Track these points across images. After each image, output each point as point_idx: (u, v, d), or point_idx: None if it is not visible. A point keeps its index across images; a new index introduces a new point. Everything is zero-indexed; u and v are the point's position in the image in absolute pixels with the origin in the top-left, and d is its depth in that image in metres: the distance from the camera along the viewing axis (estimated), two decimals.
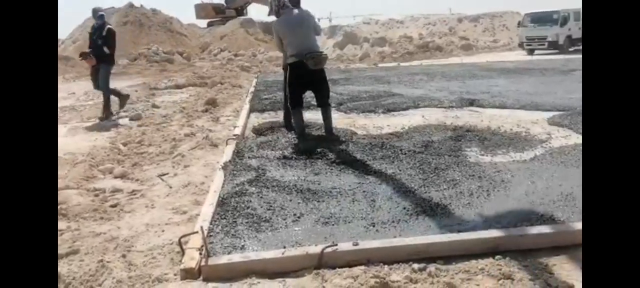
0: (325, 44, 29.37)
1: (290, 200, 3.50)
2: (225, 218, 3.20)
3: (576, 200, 3.19)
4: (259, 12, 35.25)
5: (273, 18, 5.57)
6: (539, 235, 2.73)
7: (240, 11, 33.55)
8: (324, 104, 5.41)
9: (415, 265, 2.53)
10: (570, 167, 3.99)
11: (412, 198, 3.48)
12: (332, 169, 4.23)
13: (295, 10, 5.32)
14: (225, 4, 33.46)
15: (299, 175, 4.08)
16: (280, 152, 4.79)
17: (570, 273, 2.44)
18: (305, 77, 5.17)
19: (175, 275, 2.63)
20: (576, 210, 3.05)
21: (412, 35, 31.06)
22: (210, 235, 2.93)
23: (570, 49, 22.56)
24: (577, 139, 5.13)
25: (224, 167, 4.33)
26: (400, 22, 37.06)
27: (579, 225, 2.78)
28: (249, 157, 4.67)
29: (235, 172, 4.18)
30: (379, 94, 9.12)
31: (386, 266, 2.54)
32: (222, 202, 3.46)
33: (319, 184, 3.84)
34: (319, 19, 36.97)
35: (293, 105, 5.36)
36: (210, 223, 3.11)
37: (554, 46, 22.12)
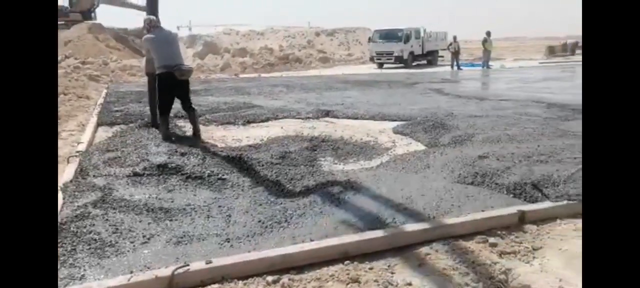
0: (185, 54, 28.33)
1: (140, 221, 3.29)
2: (62, 246, 2.88)
3: (415, 203, 3.53)
4: (109, 18, 32.66)
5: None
6: (382, 238, 2.95)
7: (87, 15, 30.71)
8: (189, 108, 6.17)
9: (269, 278, 2.55)
10: (410, 173, 4.40)
11: (268, 210, 3.51)
12: (187, 185, 4.09)
13: (165, 29, 6.17)
14: (68, 7, 30.31)
15: (151, 193, 3.86)
16: (131, 168, 4.47)
17: (408, 271, 2.68)
18: (173, 86, 5.89)
19: None
20: (415, 213, 3.37)
21: (272, 47, 31.56)
22: None
23: (413, 64, 25.07)
24: (416, 146, 5.70)
25: (63, 189, 3.90)
26: (261, 33, 37.45)
27: (414, 226, 3.08)
28: (94, 176, 4.28)
29: (76, 194, 3.79)
30: (239, 106, 9.08)
31: (240, 282, 2.52)
32: (59, 229, 3.11)
33: (172, 202, 3.68)
34: (178, 28, 35.75)
35: (162, 111, 5.97)
36: None
37: (400, 60, 24.36)
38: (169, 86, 5.89)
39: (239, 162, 4.76)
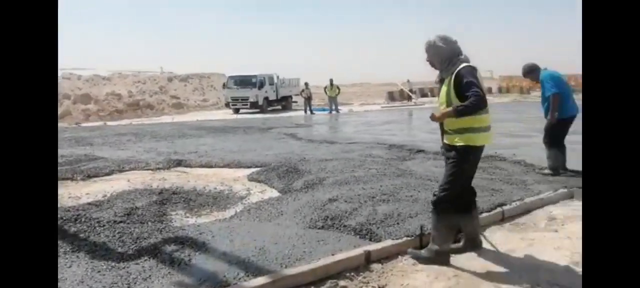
0: None
1: None
2: None
3: (267, 253, 3.51)
4: None
5: None
6: None
7: None
8: None
9: None
10: (264, 222, 4.40)
11: (108, 277, 3.18)
12: None
13: None
14: None
15: None
16: None
17: None
18: None
19: None
20: (267, 262, 3.35)
21: (120, 92, 29.66)
22: None
23: (268, 109, 25.65)
24: (271, 193, 5.75)
25: None
26: (107, 78, 34.99)
27: (261, 280, 3.05)
28: None
29: None
30: (78, 158, 8.23)
31: None
32: None
33: None
34: None
35: None
36: None
37: (255, 106, 24.75)
38: None
39: (75, 223, 4.27)
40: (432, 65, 3.58)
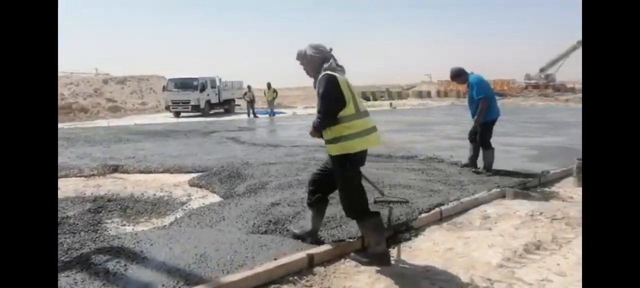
0: None
1: None
2: None
3: (209, 260, 3.42)
4: None
5: None
6: None
7: None
8: None
9: None
10: (205, 227, 4.30)
11: None
12: None
13: None
14: None
15: None
16: None
17: None
18: None
19: None
20: (208, 269, 3.27)
21: None
22: None
23: (211, 112, 25.17)
24: (212, 198, 5.63)
25: None
26: None
27: None
28: None
29: None
30: None
31: None
32: None
33: None
34: None
35: None
36: None
37: (197, 109, 24.20)
38: None
39: None
40: (308, 74, 3.64)
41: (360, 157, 3.51)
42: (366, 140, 3.46)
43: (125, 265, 3.37)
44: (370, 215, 3.55)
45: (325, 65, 3.46)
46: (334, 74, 3.40)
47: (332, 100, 3.33)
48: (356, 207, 3.52)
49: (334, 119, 3.35)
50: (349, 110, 3.39)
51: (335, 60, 3.53)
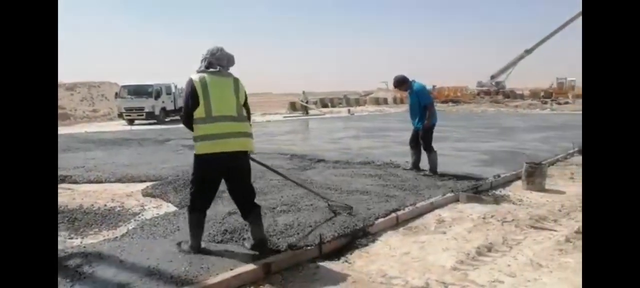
0: None
1: None
2: None
3: (162, 272, 3.33)
4: None
5: None
6: None
7: None
8: None
9: None
10: (159, 238, 4.17)
11: None
12: None
13: None
14: None
15: None
16: None
17: None
18: None
19: None
20: (161, 282, 3.17)
21: None
22: None
23: (167, 119, 24.56)
24: (167, 208, 5.48)
25: None
26: None
27: None
28: None
29: None
30: None
31: None
32: None
33: None
34: None
35: None
36: None
37: (152, 116, 23.54)
38: None
39: None
40: None
41: (213, 160, 3.63)
42: (211, 144, 3.60)
43: (71, 280, 3.23)
44: (192, 213, 3.73)
45: (199, 66, 3.68)
46: (192, 75, 3.61)
47: (186, 101, 3.63)
48: (191, 199, 3.76)
49: (188, 119, 3.64)
50: (199, 113, 3.57)
51: (213, 62, 3.68)
